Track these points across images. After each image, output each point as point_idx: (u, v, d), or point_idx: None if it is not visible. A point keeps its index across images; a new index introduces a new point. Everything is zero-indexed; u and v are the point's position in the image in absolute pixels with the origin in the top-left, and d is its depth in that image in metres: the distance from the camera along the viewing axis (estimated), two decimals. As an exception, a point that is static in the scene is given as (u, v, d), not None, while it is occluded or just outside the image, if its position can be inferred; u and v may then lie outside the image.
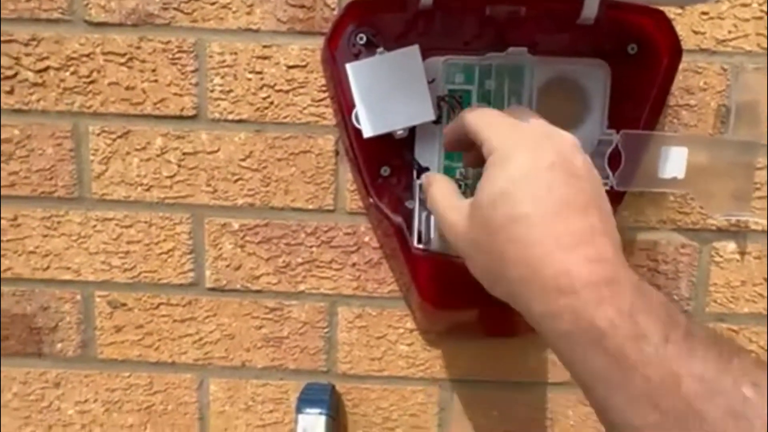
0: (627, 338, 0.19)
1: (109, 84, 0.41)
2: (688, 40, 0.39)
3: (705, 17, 0.40)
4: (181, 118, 0.41)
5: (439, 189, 0.31)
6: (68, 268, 0.43)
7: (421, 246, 0.38)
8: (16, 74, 0.41)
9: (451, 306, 0.39)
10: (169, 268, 0.43)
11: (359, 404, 0.45)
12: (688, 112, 0.41)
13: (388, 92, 0.37)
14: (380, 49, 0.36)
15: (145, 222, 0.43)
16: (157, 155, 0.42)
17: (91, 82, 0.41)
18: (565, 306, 0.21)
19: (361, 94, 0.36)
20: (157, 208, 0.42)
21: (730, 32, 0.40)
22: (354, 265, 0.43)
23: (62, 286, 0.44)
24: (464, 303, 0.39)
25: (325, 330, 0.44)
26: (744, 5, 0.39)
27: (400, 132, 0.37)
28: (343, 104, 0.38)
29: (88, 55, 0.41)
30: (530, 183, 0.23)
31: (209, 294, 0.44)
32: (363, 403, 0.45)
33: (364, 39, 0.37)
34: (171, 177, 0.42)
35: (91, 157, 0.42)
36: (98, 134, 0.42)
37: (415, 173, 0.39)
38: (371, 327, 0.44)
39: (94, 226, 0.43)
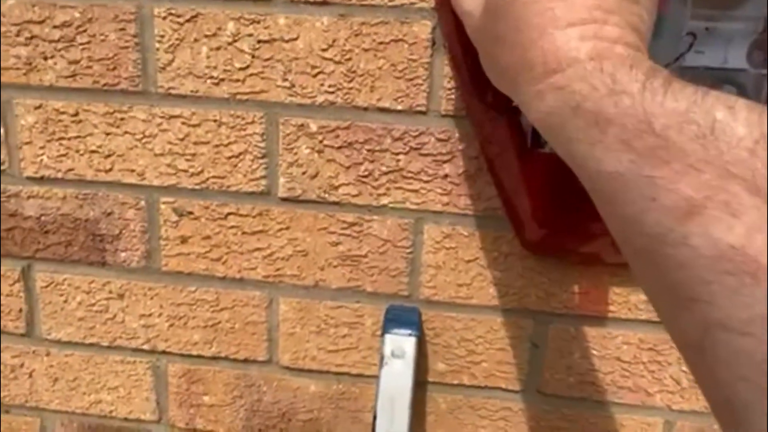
0: (604, 96, 0.19)
1: (177, -43, 0.36)
2: None
3: None
4: (256, -2, 0.36)
5: None
6: (132, 171, 0.40)
7: (538, 149, 0.32)
8: (75, -55, 0.36)
9: (564, 220, 0.34)
10: (240, 174, 0.39)
11: (441, 333, 0.41)
12: None
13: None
14: None
15: (215, 120, 0.38)
16: (229, 43, 0.37)
17: (157, -45, 0.36)
18: (549, 85, 0.21)
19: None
20: (227, 105, 0.38)
21: None
22: (446, 176, 0.38)
23: (126, 190, 0.41)
24: (581, 218, 0.33)
25: (409, 250, 0.39)
26: None
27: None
28: (449, -23, 0.31)
29: None
30: None
31: (282, 204, 0.39)
32: (446, 332, 0.41)
33: None
34: (244, 69, 0.37)
35: (157, 45, 0.37)
36: (164, 17, 0.37)
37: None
38: (461, 249, 0.39)
39: (160, 124, 0.39)
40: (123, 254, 0.42)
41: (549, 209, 0.33)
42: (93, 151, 0.40)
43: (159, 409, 0.45)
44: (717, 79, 0.31)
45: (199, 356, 0.43)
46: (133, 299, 0.43)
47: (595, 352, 0.40)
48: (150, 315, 0.43)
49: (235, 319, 0.42)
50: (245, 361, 0.43)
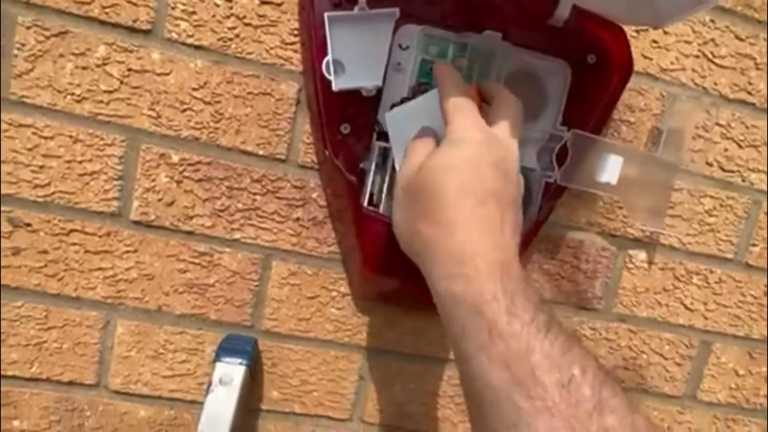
0: (503, 312, 0.23)
1: (52, -26, 0.36)
2: (637, 63, 0.43)
3: (654, 45, 0.44)
4: (132, 30, 0.37)
5: (422, 140, 0.32)
6: (-36, 173, 0.38)
7: (371, 208, 0.38)
8: (-67, -65, 0.35)
9: (390, 271, 0.39)
10: (91, 193, 0.39)
11: (278, 363, 0.43)
12: (627, 128, 0.45)
13: (361, 49, 0.36)
14: (362, 3, 0.36)
15: (70, 136, 0.38)
16: (98, 65, 0.38)
17: (30, -34, 0.36)
18: (462, 273, 0.25)
19: (336, 45, 0.35)
20: (87, 123, 0.38)
21: (672, 63, 0.44)
22: (297, 220, 0.42)
23: (-47, 192, 0.38)
24: (405, 270, 0.39)
25: (256, 283, 0.42)
26: (687, 42, 0.44)
27: (369, 90, 0.37)
28: (315, 52, 0.36)
29: (31, -65, 0.36)
30: (472, 170, 0.27)
31: (133, 227, 0.40)
32: (283, 362, 0.44)
33: (347, -10, 0.36)
34: (110, 92, 0.38)
35: (16, 52, 0.37)
36: (29, 27, 0.37)
37: (374, 136, 0.38)
38: (304, 286, 0.43)
39: (6, 130, 0.37)
40: (-63, 260, 0.39)
41: (378, 260, 0.39)
42: None
43: (-45, 434, 0.41)
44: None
45: (14, 377, 0.41)
46: (-58, 311, 0.39)
47: (412, 386, 0.46)
48: (-40, 329, 0.40)
49: (64, 339, 0.41)
50: (70, 383, 0.41)
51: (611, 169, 0.41)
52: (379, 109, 0.38)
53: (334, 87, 0.35)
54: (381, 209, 0.38)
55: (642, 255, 0.47)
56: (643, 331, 0.48)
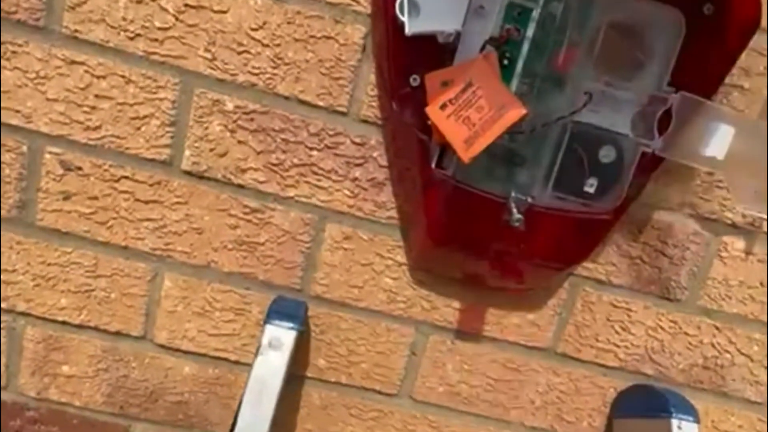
0: None
1: None
2: (763, 17, 0.36)
3: (786, -4, 0.37)
4: (189, -40, 0.34)
5: None
6: (17, 111, 0.36)
7: (440, 170, 0.34)
8: None
9: (455, 243, 0.36)
10: (142, 138, 0.37)
11: (326, 331, 0.41)
12: (740, 94, 0.38)
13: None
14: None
15: (123, 76, 0.36)
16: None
17: None
18: None
19: (412, -20, 0.31)
20: (140, 63, 0.36)
21: (805, 19, 0.37)
22: (355, 180, 0.38)
23: (6, 131, 0.37)
24: (470, 243, 0.35)
25: (308, 245, 0.39)
26: (826, -7, 0.37)
27: (446, 35, 0.32)
28: (387, -10, 0.32)
29: None
30: None
31: (183, 177, 0.38)
32: (330, 330, 0.41)
33: None
34: (164, 29, 0.35)
35: (69, -19, 0.34)
36: (83, -46, 0.34)
37: (448, 89, 0.34)
38: (358, 252, 0.40)
39: (59, 67, 0.36)
40: (-9, 200, 0.38)
41: (443, 229, 0.35)
42: (-28, 81, 0.36)
43: (7, 374, 0.41)
44: (602, 138, 0.35)
45: (64, 323, 0.40)
46: (-4, 251, 0.39)
47: (465, 366, 0.43)
48: (13, 271, 0.39)
49: (112, 289, 0.40)
50: (117, 333, 0.41)
51: (720, 141, 0.35)
52: (455, 60, 0.34)
53: (407, 30, 0.31)
54: (450, 171, 0.34)
55: (740, 243, 0.41)
56: (731, 328, 0.43)
